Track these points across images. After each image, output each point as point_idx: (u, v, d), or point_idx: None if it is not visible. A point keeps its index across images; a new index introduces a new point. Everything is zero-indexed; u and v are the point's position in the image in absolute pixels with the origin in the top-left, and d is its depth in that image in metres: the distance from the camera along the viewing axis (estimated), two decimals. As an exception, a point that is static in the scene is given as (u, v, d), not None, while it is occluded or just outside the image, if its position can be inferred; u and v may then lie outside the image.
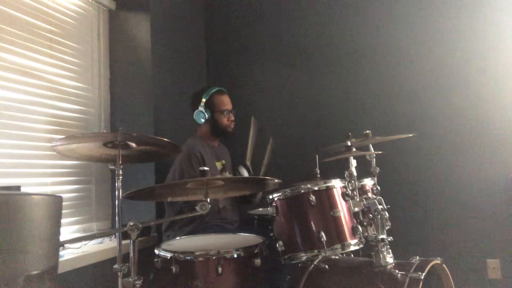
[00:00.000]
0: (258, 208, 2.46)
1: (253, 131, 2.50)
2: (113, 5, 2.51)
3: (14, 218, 0.84)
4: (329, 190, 1.69)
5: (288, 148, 2.95)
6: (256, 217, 2.32)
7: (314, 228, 1.63)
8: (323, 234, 1.60)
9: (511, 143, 2.52)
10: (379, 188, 1.88)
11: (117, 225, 1.48)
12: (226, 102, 2.38)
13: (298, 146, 2.92)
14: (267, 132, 2.73)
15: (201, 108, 2.30)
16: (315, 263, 1.73)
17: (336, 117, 2.89)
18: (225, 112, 2.34)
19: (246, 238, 1.74)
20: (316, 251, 1.62)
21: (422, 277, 1.46)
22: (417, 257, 1.62)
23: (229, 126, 2.38)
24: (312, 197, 1.64)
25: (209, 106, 2.31)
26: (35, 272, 0.86)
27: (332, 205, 1.67)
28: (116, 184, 1.50)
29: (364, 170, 1.89)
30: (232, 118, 2.38)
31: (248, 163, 2.43)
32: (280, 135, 3.02)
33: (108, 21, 2.51)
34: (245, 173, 2.39)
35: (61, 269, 1.63)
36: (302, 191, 1.67)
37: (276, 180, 1.53)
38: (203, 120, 2.30)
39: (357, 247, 1.66)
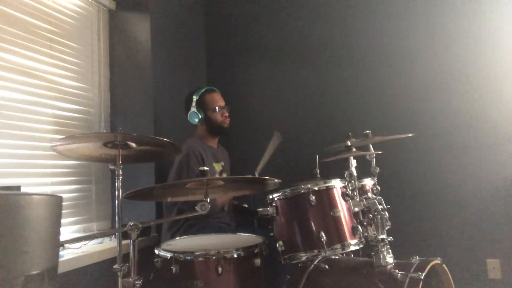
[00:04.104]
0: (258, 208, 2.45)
1: (272, 145, 2.39)
2: (113, 5, 2.51)
3: (14, 218, 0.84)
4: (329, 190, 1.69)
5: (288, 148, 2.95)
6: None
7: (314, 228, 1.63)
8: (323, 234, 1.60)
9: (511, 144, 2.52)
10: (379, 188, 1.88)
11: (117, 225, 1.48)
12: (217, 99, 2.38)
13: (298, 146, 2.92)
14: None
15: (193, 109, 2.30)
16: (315, 263, 1.73)
17: (336, 117, 2.89)
18: (217, 109, 2.34)
19: (246, 238, 1.74)
20: (316, 251, 1.62)
21: (422, 277, 1.46)
22: (417, 257, 1.62)
23: (224, 122, 2.37)
24: (312, 197, 1.64)
25: (200, 105, 2.32)
26: (35, 272, 0.86)
27: (332, 205, 1.67)
28: (116, 184, 1.50)
29: (364, 170, 1.89)
30: (226, 114, 2.38)
31: (257, 174, 2.31)
32: (280, 135, 3.02)
33: (108, 21, 2.51)
34: None
35: (61, 269, 1.63)
36: (302, 191, 1.67)
37: (276, 180, 1.53)
38: (196, 120, 2.31)
39: (357, 247, 1.66)
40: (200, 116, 2.30)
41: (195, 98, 2.31)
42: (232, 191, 1.77)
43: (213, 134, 2.40)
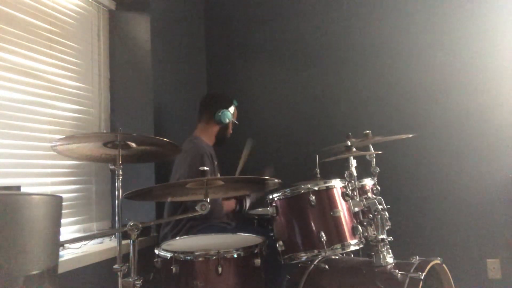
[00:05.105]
0: (258, 208, 2.47)
1: (246, 151, 2.63)
2: (113, 5, 2.51)
3: (14, 218, 0.84)
4: (329, 190, 1.69)
5: (288, 148, 2.95)
6: (256, 217, 2.33)
7: (314, 228, 1.63)
8: (323, 234, 1.60)
9: (511, 143, 2.52)
10: (379, 188, 1.88)
11: (117, 225, 1.48)
12: (236, 115, 2.54)
13: (298, 146, 2.92)
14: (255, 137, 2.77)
15: (231, 110, 2.41)
16: (315, 263, 1.73)
17: (336, 117, 2.89)
18: (233, 124, 2.50)
19: (246, 238, 1.74)
20: (316, 251, 1.62)
21: (422, 277, 1.46)
22: (417, 257, 1.62)
23: (229, 137, 2.51)
24: (312, 197, 1.64)
25: (232, 112, 2.45)
26: (35, 272, 0.86)
27: (332, 205, 1.67)
28: (116, 184, 1.50)
29: (364, 170, 1.89)
30: (231, 131, 2.52)
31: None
32: (280, 135, 3.02)
33: (108, 21, 2.51)
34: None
35: (61, 269, 1.63)
36: (302, 191, 1.67)
37: (276, 180, 1.53)
38: (227, 121, 2.39)
39: (357, 247, 1.66)
40: (230, 120, 2.41)
41: (235, 105, 2.46)
42: (232, 191, 1.77)
43: (219, 138, 2.47)
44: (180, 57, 2.89)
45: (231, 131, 2.50)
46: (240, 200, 2.35)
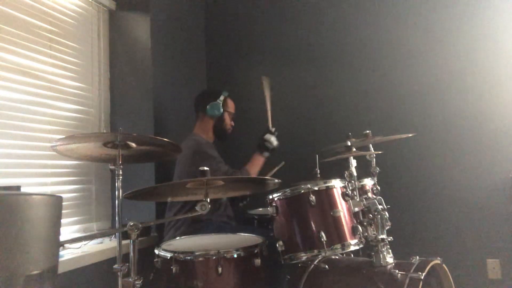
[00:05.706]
0: (258, 208, 2.47)
1: (267, 92, 2.50)
2: (113, 5, 2.51)
3: (14, 218, 0.84)
4: (329, 190, 1.69)
5: (288, 148, 2.95)
6: (256, 217, 2.33)
7: (314, 228, 1.64)
8: (323, 234, 1.60)
9: (511, 143, 2.53)
10: (379, 188, 1.88)
11: (117, 225, 1.48)
12: (233, 106, 2.52)
13: (298, 146, 2.92)
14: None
15: (219, 102, 2.40)
16: (315, 263, 1.73)
17: (336, 117, 2.89)
18: (231, 114, 2.48)
19: (246, 238, 1.74)
20: (316, 251, 1.63)
21: (422, 277, 1.46)
22: (417, 257, 1.62)
23: (230, 129, 2.48)
24: (312, 197, 1.64)
25: (222, 104, 2.42)
26: (35, 272, 0.86)
27: (332, 205, 1.67)
28: (116, 184, 1.50)
29: (364, 170, 1.89)
30: (233, 123, 2.50)
31: (272, 128, 2.45)
32: (280, 135, 3.02)
33: (108, 21, 2.51)
34: (274, 140, 2.42)
35: (61, 269, 1.64)
36: (302, 191, 1.67)
37: (276, 180, 1.53)
38: (216, 113, 2.39)
39: (357, 247, 1.66)
40: (220, 111, 2.39)
41: (224, 95, 2.43)
42: (232, 191, 1.77)
43: (216, 132, 2.46)
44: (180, 57, 2.89)
45: (231, 123, 2.47)
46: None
